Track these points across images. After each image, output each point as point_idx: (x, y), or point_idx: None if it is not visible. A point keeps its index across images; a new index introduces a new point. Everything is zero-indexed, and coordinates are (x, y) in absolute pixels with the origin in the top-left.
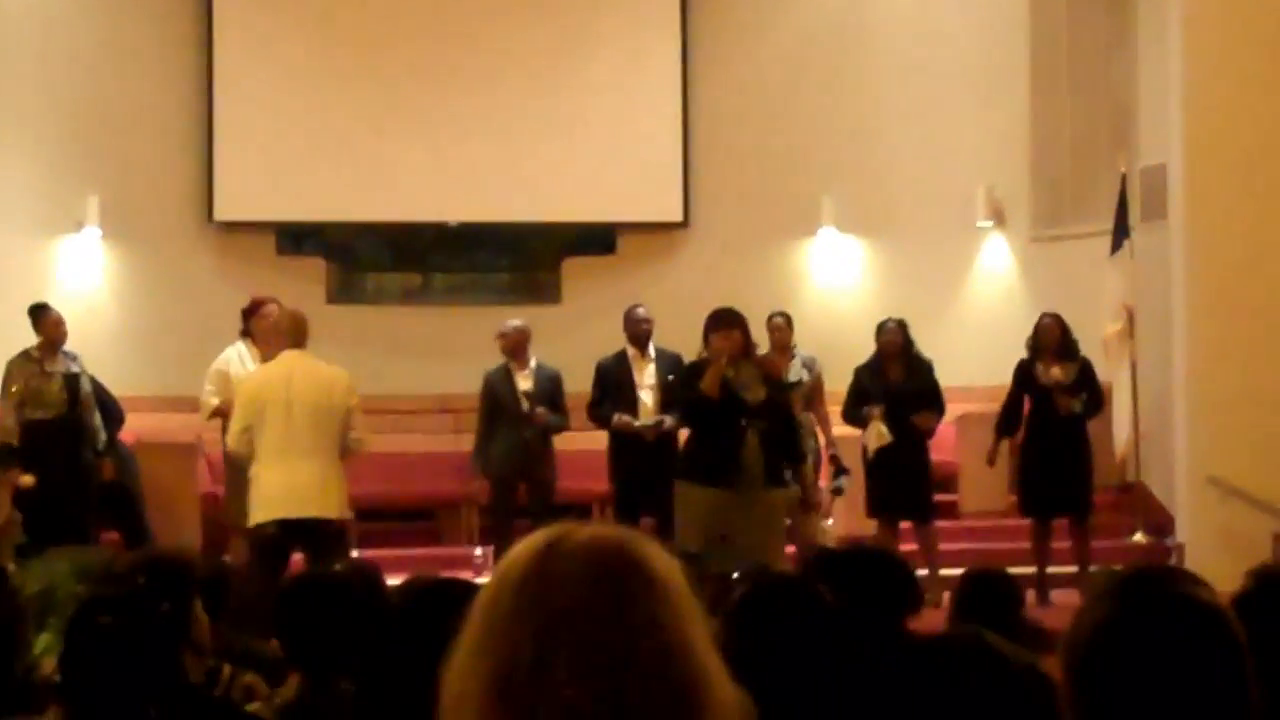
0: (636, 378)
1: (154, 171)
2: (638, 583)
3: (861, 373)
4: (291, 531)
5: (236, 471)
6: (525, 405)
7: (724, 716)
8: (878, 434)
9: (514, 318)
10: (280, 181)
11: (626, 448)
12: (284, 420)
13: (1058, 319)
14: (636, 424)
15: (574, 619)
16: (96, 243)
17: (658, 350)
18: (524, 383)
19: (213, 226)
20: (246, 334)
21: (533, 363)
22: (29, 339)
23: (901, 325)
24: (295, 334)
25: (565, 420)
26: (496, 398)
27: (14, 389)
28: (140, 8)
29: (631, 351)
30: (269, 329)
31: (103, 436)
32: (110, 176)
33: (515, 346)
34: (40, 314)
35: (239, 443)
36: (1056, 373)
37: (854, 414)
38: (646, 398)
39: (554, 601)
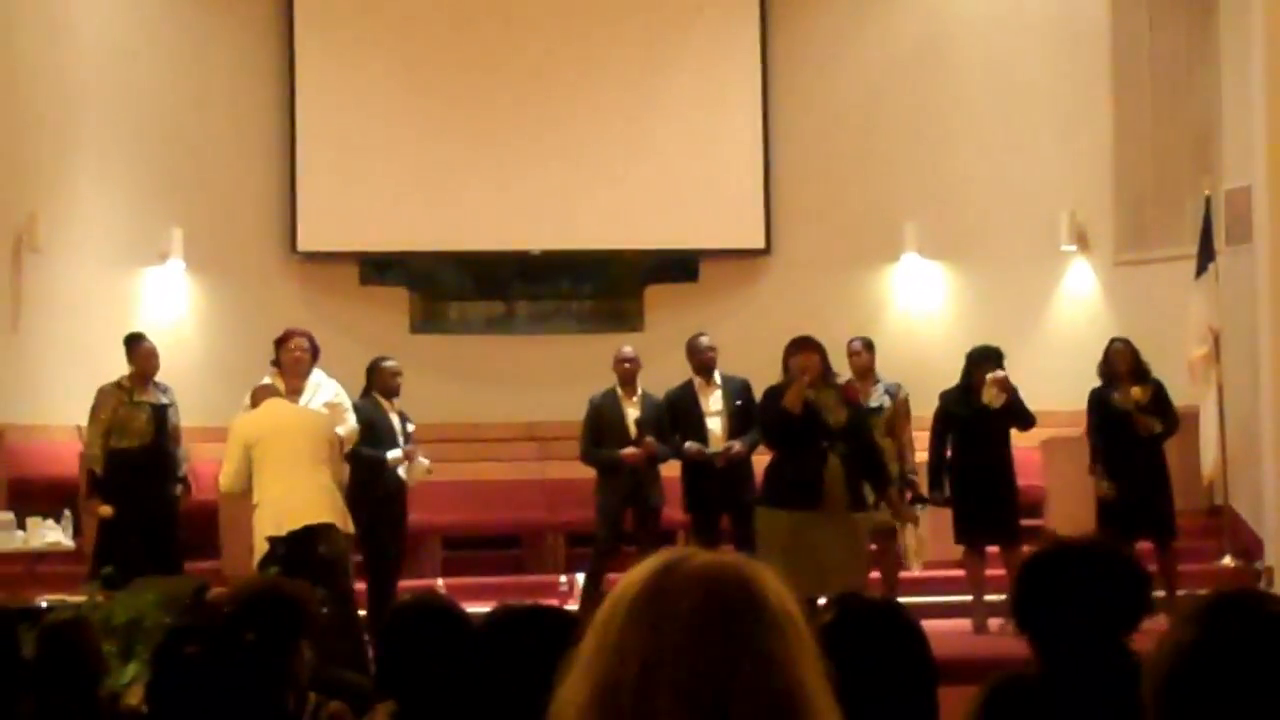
0: (704, 405)
1: (237, 203)
2: (749, 613)
3: (947, 398)
4: (297, 550)
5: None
6: (634, 434)
7: None
8: (996, 394)
9: (627, 345)
10: (363, 212)
11: (699, 476)
12: (278, 447)
13: (1129, 343)
14: (708, 452)
15: (682, 645)
16: (180, 275)
17: (724, 377)
18: (633, 410)
19: (296, 257)
20: (277, 363)
21: (640, 391)
22: (114, 369)
23: (986, 355)
24: (273, 392)
25: (670, 449)
26: (603, 423)
27: (102, 417)
28: (222, 41)
29: (698, 380)
30: (294, 361)
31: (185, 467)
32: (194, 208)
33: (633, 374)
34: (134, 344)
35: (233, 483)
36: (1137, 393)
37: (944, 438)
38: (714, 425)
39: (663, 626)
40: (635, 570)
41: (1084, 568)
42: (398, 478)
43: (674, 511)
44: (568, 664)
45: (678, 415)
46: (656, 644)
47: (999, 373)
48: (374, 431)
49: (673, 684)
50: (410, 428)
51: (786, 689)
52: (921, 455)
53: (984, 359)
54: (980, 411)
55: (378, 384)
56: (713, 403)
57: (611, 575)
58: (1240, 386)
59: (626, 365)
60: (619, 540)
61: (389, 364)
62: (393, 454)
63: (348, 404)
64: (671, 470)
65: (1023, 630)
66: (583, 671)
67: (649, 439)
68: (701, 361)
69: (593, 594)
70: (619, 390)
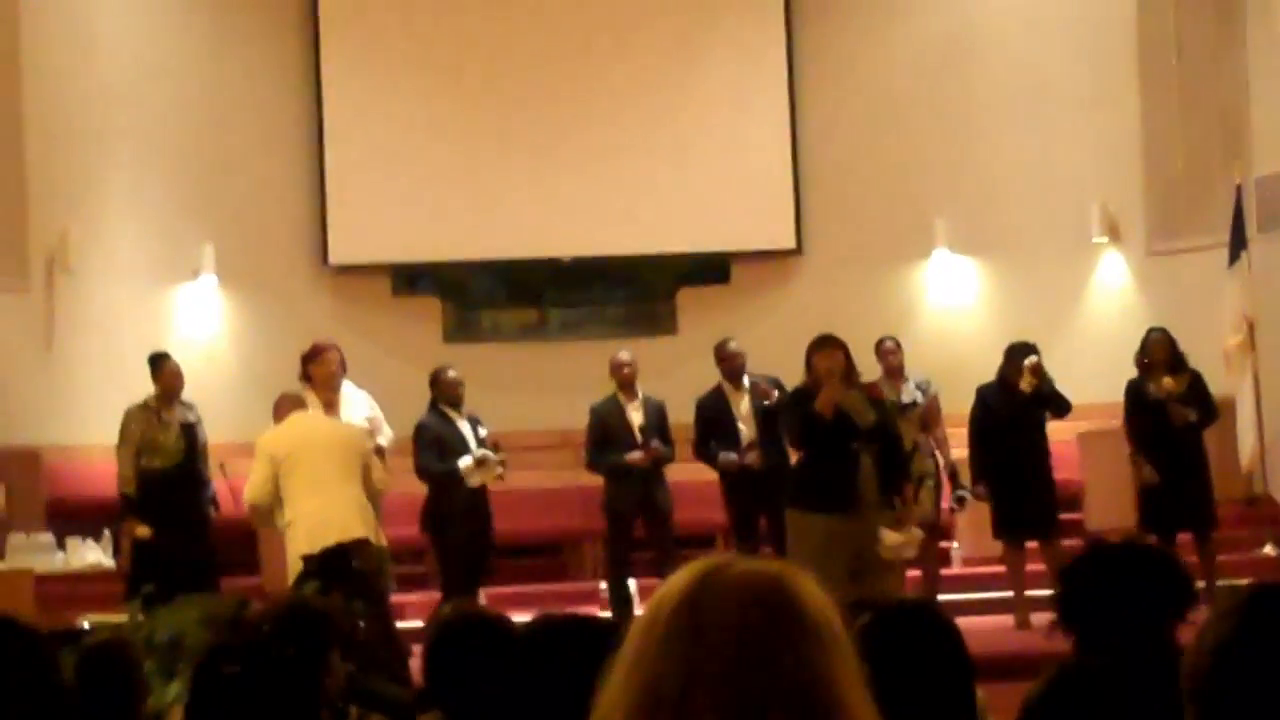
0: (735, 410)
1: (268, 217)
2: (789, 621)
3: (986, 392)
4: (332, 567)
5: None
6: (639, 439)
7: None
8: (1029, 381)
9: (624, 349)
10: (393, 222)
11: (737, 479)
12: (307, 462)
13: (1165, 332)
14: (738, 459)
15: (721, 652)
16: (213, 290)
17: (750, 380)
18: (636, 414)
19: (328, 270)
20: (306, 378)
21: (640, 394)
22: (149, 387)
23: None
24: (297, 405)
25: (673, 451)
26: (608, 429)
27: (131, 439)
28: (250, 55)
29: (727, 386)
30: (328, 376)
31: (213, 484)
32: (225, 224)
33: (633, 378)
34: (159, 364)
35: (260, 494)
36: (1169, 383)
37: (981, 431)
38: (746, 429)
39: (704, 633)
40: (676, 577)
41: (1125, 566)
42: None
43: (714, 514)
44: (608, 671)
45: (709, 422)
46: (697, 655)
47: (1034, 358)
48: (442, 445)
49: (713, 695)
50: (483, 432)
51: (827, 702)
52: (957, 451)
53: (1021, 354)
54: (1017, 406)
55: (442, 395)
56: (744, 408)
57: (638, 580)
58: (1276, 374)
59: (626, 370)
60: (631, 547)
61: (450, 374)
62: (464, 462)
63: (380, 414)
64: (701, 475)
65: (1068, 628)
66: (623, 680)
67: (654, 443)
68: (731, 367)
69: (619, 601)
70: (619, 395)
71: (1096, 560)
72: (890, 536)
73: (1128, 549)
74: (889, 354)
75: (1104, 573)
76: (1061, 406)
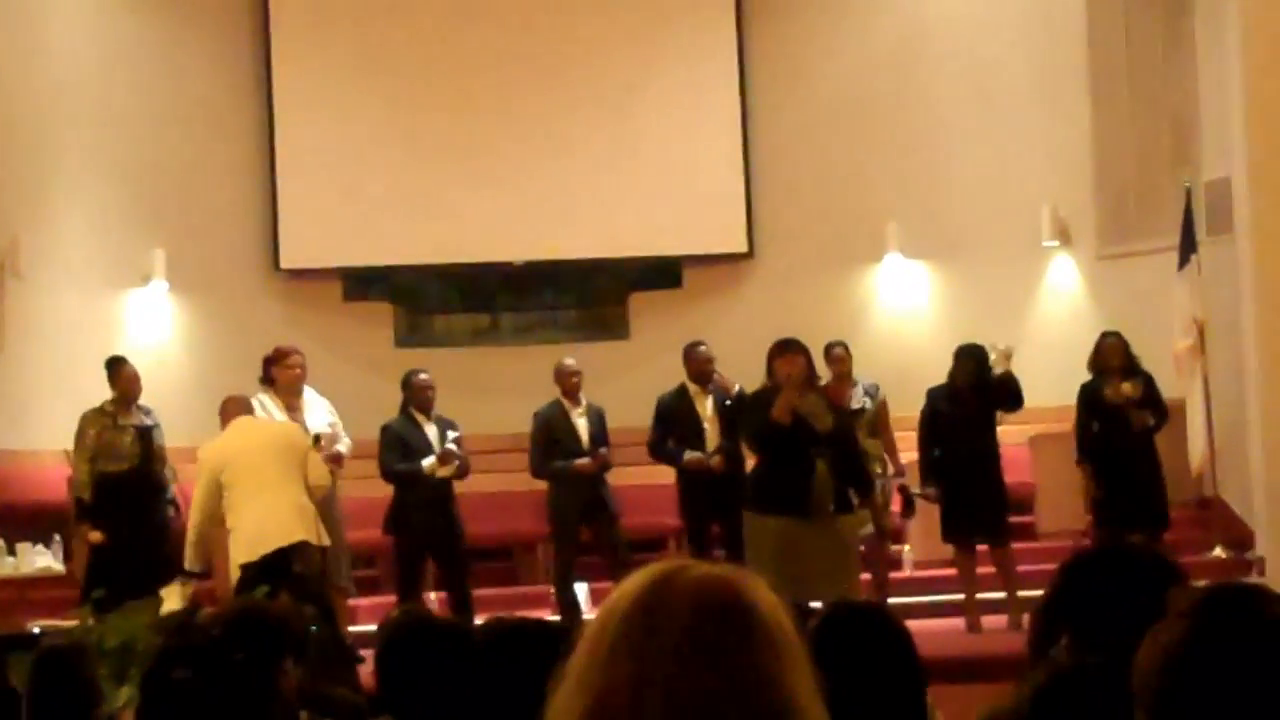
0: (700, 412)
1: (219, 223)
2: (741, 624)
3: (935, 395)
4: (271, 574)
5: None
6: (586, 445)
7: None
8: (1005, 358)
9: (568, 357)
10: (345, 227)
11: (695, 481)
12: (247, 469)
13: (1120, 337)
14: (710, 460)
15: (674, 660)
16: (164, 296)
17: (714, 376)
18: (581, 420)
19: (279, 275)
20: (269, 382)
21: (584, 402)
22: (100, 393)
23: (968, 352)
24: (243, 408)
25: (612, 456)
26: (554, 436)
27: (87, 443)
28: (200, 61)
29: (693, 387)
30: (292, 380)
31: (173, 488)
32: (175, 229)
33: (579, 387)
34: (116, 368)
35: (202, 517)
36: (1128, 388)
37: (930, 435)
38: (711, 430)
39: (656, 640)
40: (629, 582)
41: (1123, 567)
42: (443, 485)
43: (664, 518)
44: (560, 676)
45: (672, 422)
46: (649, 659)
47: (1008, 345)
48: (406, 447)
49: (664, 699)
50: (453, 434)
51: (778, 705)
52: (907, 455)
53: (969, 355)
54: (967, 407)
55: (412, 399)
56: (709, 409)
57: (589, 584)
58: (1226, 377)
59: (574, 379)
60: (578, 551)
61: (421, 378)
62: (427, 462)
63: (340, 422)
64: (662, 477)
65: (1060, 627)
66: (575, 684)
67: (602, 450)
68: (701, 370)
69: (566, 605)
70: (564, 401)
71: (1094, 560)
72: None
73: (1125, 550)
74: (838, 360)
75: (1102, 572)
76: (1015, 399)
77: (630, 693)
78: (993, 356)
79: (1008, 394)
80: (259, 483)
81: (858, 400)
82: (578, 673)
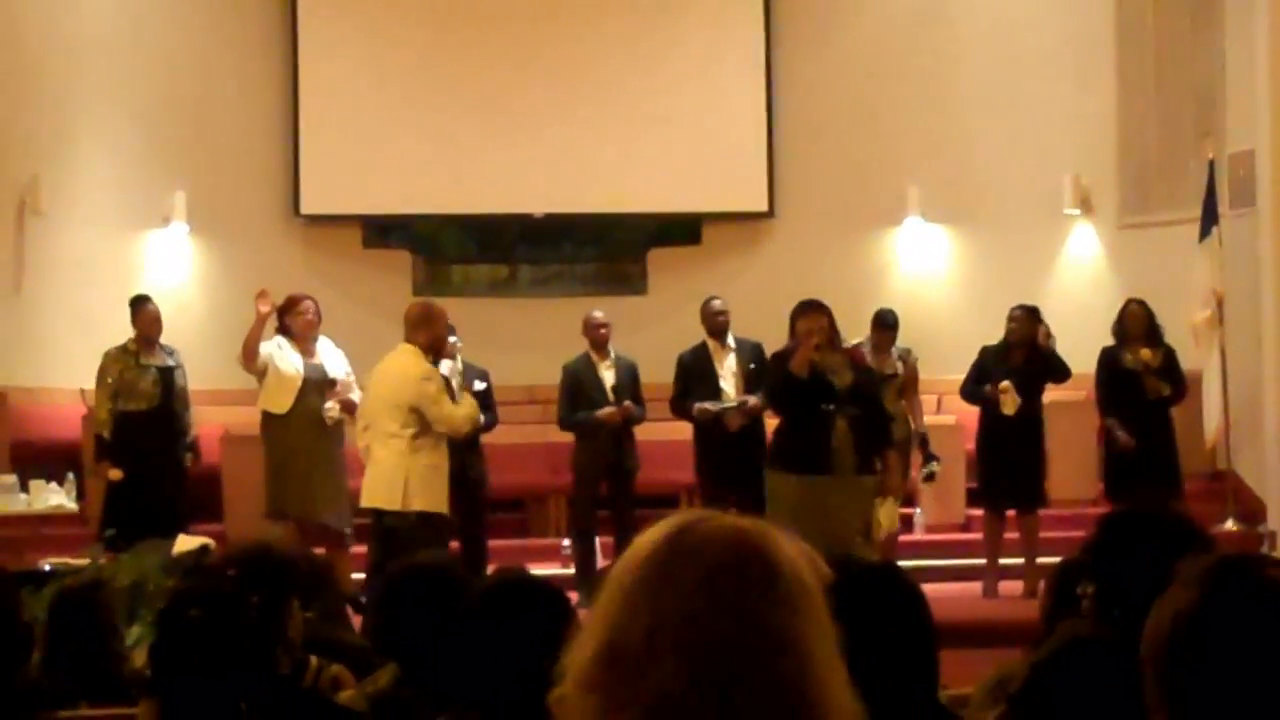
0: (718, 368)
1: (240, 166)
2: (761, 580)
3: (987, 353)
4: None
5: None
6: (612, 397)
7: None
8: (1012, 402)
9: (597, 308)
10: (366, 175)
11: (711, 438)
12: (369, 411)
13: (1145, 305)
14: (714, 409)
15: (691, 609)
16: (184, 238)
17: (738, 340)
18: (608, 373)
19: (299, 220)
20: (284, 330)
21: (612, 354)
22: (117, 333)
23: (1031, 312)
24: (407, 325)
25: (644, 412)
26: (580, 388)
27: (109, 381)
28: (226, 5)
29: (711, 343)
30: (308, 325)
31: (194, 431)
32: (197, 172)
33: (607, 339)
34: (138, 307)
35: (361, 438)
36: (1146, 355)
37: (975, 391)
38: (728, 387)
39: (675, 588)
40: (653, 530)
41: (1161, 533)
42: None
43: (681, 474)
44: (582, 623)
45: (691, 378)
46: (663, 603)
47: (1006, 384)
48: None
49: (677, 648)
50: (479, 385)
51: (793, 657)
52: (930, 419)
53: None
54: (1016, 371)
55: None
56: (727, 366)
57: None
58: (1243, 350)
59: (602, 331)
60: (596, 505)
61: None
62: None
63: (353, 374)
64: (679, 433)
65: (1090, 583)
66: (592, 629)
67: (627, 401)
68: (714, 325)
69: (583, 558)
70: (592, 355)
71: (1127, 520)
72: (883, 517)
73: (1158, 513)
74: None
75: (1134, 533)
76: (1062, 372)
77: (644, 639)
78: (1007, 403)
79: (1054, 372)
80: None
81: (891, 365)
82: (596, 616)
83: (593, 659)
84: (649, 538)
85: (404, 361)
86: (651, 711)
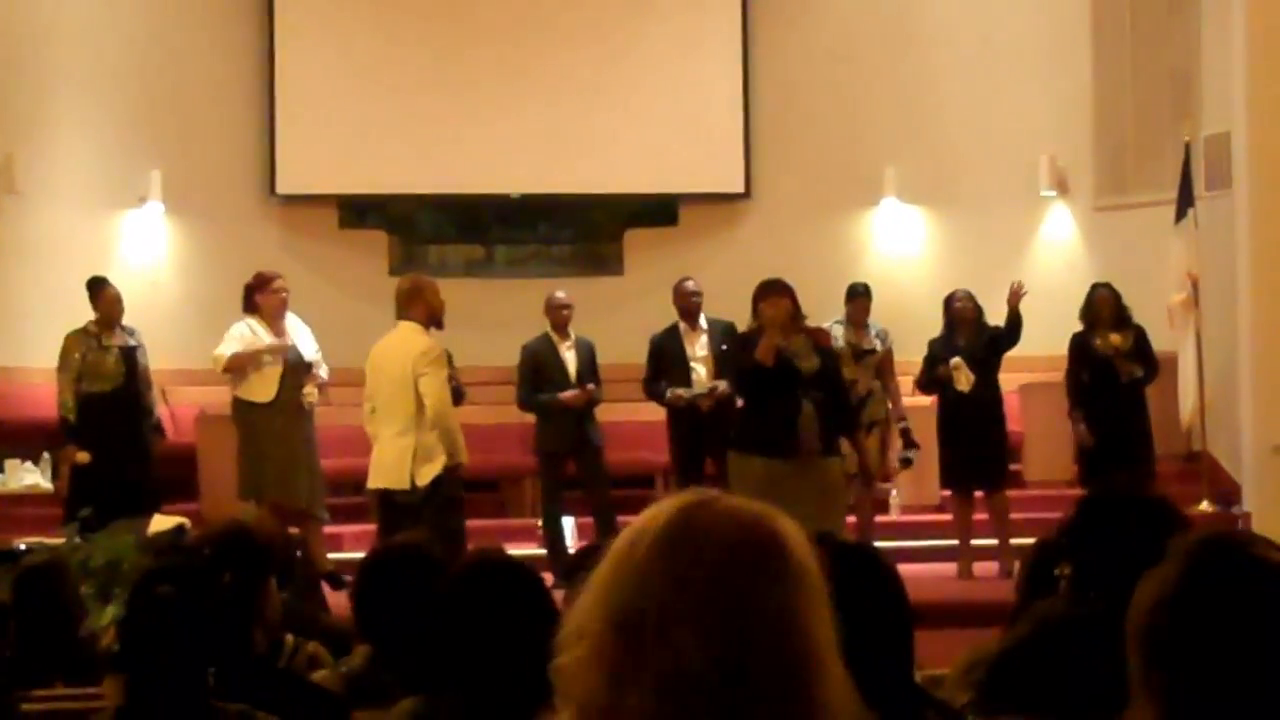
0: (689, 350)
1: (216, 145)
2: (775, 564)
3: (934, 344)
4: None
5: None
6: (574, 378)
7: (833, 711)
8: (966, 378)
9: (560, 290)
10: (342, 155)
11: (683, 419)
12: (375, 393)
13: (1112, 288)
14: (687, 395)
15: (709, 585)
16: (159, 217)
17: (709, 321)
18: (569, 354)
19: (275, 200)
20: (253, 309)
21: (572, 335)
22: (91, 312)
23: (970, 296)
24: (399, 303)
25: (603, 391)
26: (541, 369)
27: (71, 363)
28: None
29: (683, 325)
30: (280, 303)
31: (158, 411)
32: (172, 151)
33: (568, 320)
34: (97, 288)
35: (369, 423)
36: (1116, 339)
37: (929, 377)
38: (700, 369)
39: (691, 564)
40: (661, 505)
41: (1139, 514)
42: None
43: (653, 454)
44: (577, 593)
45: (662, 360)
46: (683, 580)
47: (957, 359)
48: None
49: (695, 623)
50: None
51: (802, 645)
52: (906, 400)
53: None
54: (963, 351)
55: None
56: (698, 348)
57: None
58: (1219, 332)
59: (564, 312)
60: (564, 485)
61: None
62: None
63: (320, 350)
64: (652, 414)
65: (1066, 563)
66: (598, 601)
67: (589, 384)
68: (686, 306)
69: (553, 538)
70: (553, 335)
71: (1106, 502)
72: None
73: (1137, 496)
74: (862, 296)
75: (1112, 514)
76: (1013, 337)
77: (659, 616)
78: (960, 379)
79: (1008, 335)
80: (379, 415)
81: (869, 342)
82: (603, 586)
83: (601, 631)
84: (659, 513)
85: (406, 338)
86: (664, 684)
